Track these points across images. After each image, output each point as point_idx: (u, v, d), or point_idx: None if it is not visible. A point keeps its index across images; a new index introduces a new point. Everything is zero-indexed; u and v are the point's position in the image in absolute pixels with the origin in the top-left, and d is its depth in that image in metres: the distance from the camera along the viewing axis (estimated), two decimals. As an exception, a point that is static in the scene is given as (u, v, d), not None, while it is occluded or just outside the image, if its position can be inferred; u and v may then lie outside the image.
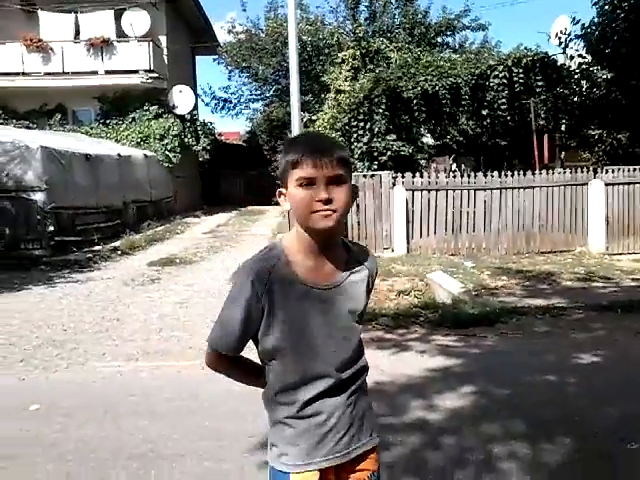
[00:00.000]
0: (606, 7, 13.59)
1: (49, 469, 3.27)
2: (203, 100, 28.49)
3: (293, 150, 1.53)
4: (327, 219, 1.49)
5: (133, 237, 13.49)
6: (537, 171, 11.55)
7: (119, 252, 11.78)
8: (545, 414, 3.86)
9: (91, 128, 18.86)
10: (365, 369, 1.70)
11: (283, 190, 1.57)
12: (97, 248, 11.90)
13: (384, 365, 4.87)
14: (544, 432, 3.58)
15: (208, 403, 4.20)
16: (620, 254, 10.61)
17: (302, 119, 12.51)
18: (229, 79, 30.51)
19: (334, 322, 1.59)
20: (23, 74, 18.51)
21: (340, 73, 17.29)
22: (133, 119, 18.99)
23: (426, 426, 3.70)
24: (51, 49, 18.60)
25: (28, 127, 17.15)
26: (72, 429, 3.79)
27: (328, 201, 1.49)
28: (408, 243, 10.74)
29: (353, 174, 11.28)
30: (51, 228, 11.30)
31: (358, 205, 10.78)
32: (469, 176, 11.18)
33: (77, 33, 18.88)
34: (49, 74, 18.53)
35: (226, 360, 1.68)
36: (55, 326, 6.40)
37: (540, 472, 3.13)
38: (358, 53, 17.00)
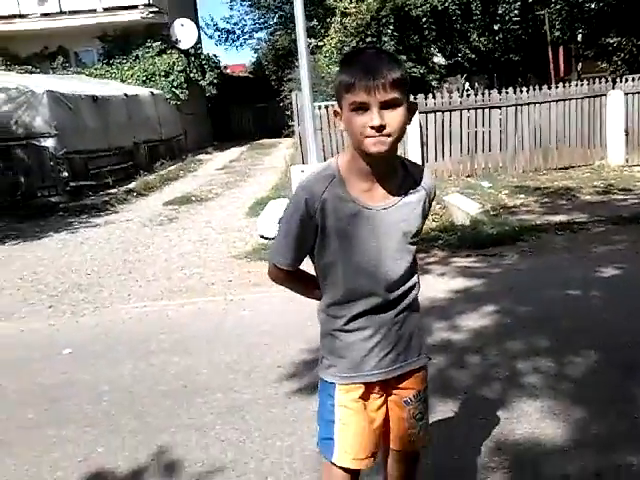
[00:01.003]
0: None
1: (87, 409, 3.38)
2: (206, 33, 28.01)
3: (345, 72, 1.48)
4: (380, 144, 1.46)
5: (147, 178, 13.51)
6: (553, 85, 11.21)
7: (134, 193, 11.81)
8: (569, 328, 3.88)
9: (95, 69, 18.59)
10: (415, 287, 1.69)
11: (338, 109, 1.54)
12: (112, 191, 11.94)
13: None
14: (568, 346, 3.61)
15: (235, 336, 4.28)
16: (640, 165, 10.41)
17: (309, 45, 12.15)
18: (231, 9, 29.68)
19: (386, 242, 1.59)
20: (20, 16, 18.09)
21: (345, -6, 16.67)
22: (136, 57, 18.65)
23: (450, 346, 3.75)
24: (46, -12, 18.09)
25: (31, 72, 16.90)
26: (105, 370, 3.90)
27: (381, 127, 1.45)
28: (423, 166, 10.58)
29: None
30: (65, 174, 11.34)
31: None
32: (483, 94, 10.88)
33: (71, -31, 18.29)
34: (46, 15, 18.08)
35: (286, 273, 1.70)
36: (79, 271, 6.50)
37: (565, 385, 3.18)
38: (362, -29, 16.33)
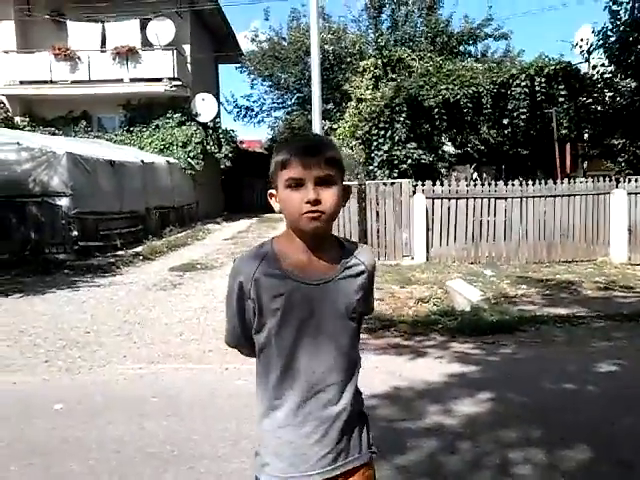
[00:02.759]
0: (623, 16, 13.49)
1: (73, 467, 3.35)
2: (226, 108, 28.83)
3: (282, 151, 1.51)
4: (315, 221, 1.47)
5: (155, 242, 13.68)
6: (559, 180, 11.49)
7: (141, 257, 11.94)
8: (563, 421, 3.85)
9: (115, 135, 19.19)
10: (357, 371, 1.60)
11: (273, 191, 1.56)
12: (120, 253, 12.08)
13: (402, 370, 4.90)
14: (561, 439, 3.57)
15: (227, 405, 4.26)
16: (643, 264, 10.49)
17: (323, 127, 12.61)
18: (251, 87, 30.87)
19: (325, 318, 1.53)
20: (51, 82, 18.91)
21: (362, 82, 17.40)
22: (157, 126, 19.27)
23: (443, 431, 3.72)
24: (78, 58, 18.98)
25: (54, 134, 17.49)
26: (95, 428, 3.87)
27: (316, 202, 1.46)
28: (428, 251, 10.74)
29: (374, 181, 11.41)
30: (75, 233, 11.52)
31: (378, 212, 10.82)
32: (490, 185, 11.16)
33: (103, 42, 19.26)
34: (76, 82, 18.90)
35: (242, 349, 1.68)
36: (78, 329, 6.52)
37: (556, 478, 3.14)
38: (380, 62, 17.13)
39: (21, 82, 18.92)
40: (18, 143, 11.81)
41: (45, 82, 18.90)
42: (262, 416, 1.56)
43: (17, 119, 18.75)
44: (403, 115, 13.24)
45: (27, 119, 18.81)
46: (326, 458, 1.52)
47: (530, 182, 10.94)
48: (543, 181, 10.99)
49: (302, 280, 1.52)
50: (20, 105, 19.06)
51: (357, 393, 1.60)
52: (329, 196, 1.48)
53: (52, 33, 19.02)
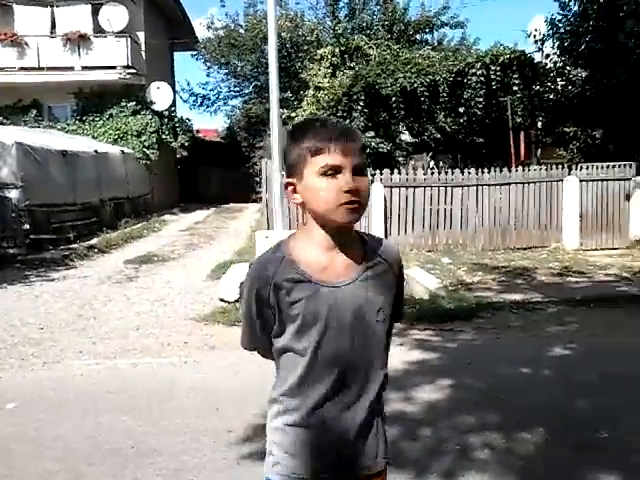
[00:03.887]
0: (573, 6, 13.78)
1: (28, 467, 3.25)
2: (181, 97, 28.30)
3: (312, 135, 1.40)
4: (354, 212, 1.38)
5: (110, 235, 13.40)
6: (513, 168, 11.70)
7: (96, 250, 11.68)
8: (520, 405, 3.94)
9: (67, 125, 18.66)
10: (383, 381, 1.52)
11: (293, 180, 1.44)
12: (74, 246, 11.78)
13: (362, 360, 4.92)
14: (518, 423, 3.65)
15: (187, 399, 4.21)
16: (594, 250, 10.80)
17: (281, 116, 12.52)
18: (208, 75, 30.24)
19: (347, 323, 1.44)
20: (-3, 69, 18.24)
21: (319, 70, 17.30)
22: (110, 115, 18.82)
23: (403, 417, 3.75)
24: (26, 44, 18.33)
25: (1, 123, 16.89)
26: (50, 426, 3.77)
27: (357, 191, 1.37)
28: (386, 239, 10.79)
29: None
30: (26, 226, 11.18)
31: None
32: (446, 173, 11.29)
33: (53, 27, 18.66)
34: (24, 69, 18.28)
35: (262, 351, 1.59)
36: (31, 325, 6.34)
37: (514, 461, 3.20)
38: (337, 50, 17.05)
39: (-36, 69, 18.20)
40: (-37, 134, 11.38)
41: (-9, 69, 18.22)
42: (277, 415, 1.50)
43: (-40, 108, 18.04)
44: (361, 103, 13.29)
45: (-28, 109, 18.14)
46: (340, 462, 1.47)
47: (485, 170, 11.11)
48: (498, 169, 11.17)
49: (322, 282, 1.42)
50: (-37, 93, 18.34)
51: (378, 399, 1.51)
52: (365, 186, 1.41)
53: (-3, 18, 18.32)
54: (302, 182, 1.42)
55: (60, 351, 5.43)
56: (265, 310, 1.45)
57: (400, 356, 5.02)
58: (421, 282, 7.50)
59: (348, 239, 1.46)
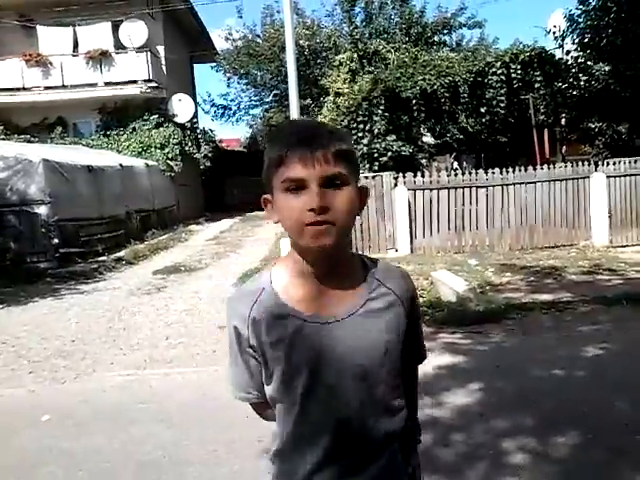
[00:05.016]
0: (592, 0, 13.60)
1: (62, 478, 3.29)
2: (203, 108, 28.61)
3: (276, 143, 1.18)
4: (323, 236, 1.12)
5: (137, 246, 13.55)
6: (538, 166, 11.55)
7: (124, 262, 11.83)
8: (554, 408, 3.86)
9: (92, 140, 18.96)
10: (397, 434, 1.24)
11: (268, 196, 1.22)
12: (102, 259, 11.95)
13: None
14: (553, 426, 3.58)
15: (217, 408, 4.22)
16: (624, 246, 10.59)
17: (302, 123, 12.58)
18: (228, 86, 30.54)
19: (341, 369, 1.19)
20: (24, 89, 18.61)
21: (338, 76, 17.34)
22: (134, 129, 19.07)
23: (435, 423, 3.71)
24: (50, 63, 18.69)
25: (29, 141, 17.23)
26: (83, 438, 3.81)
27: (322, 210, 1.11)
28: (411, 243, 10.75)
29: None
30: (56, 240, 11.36)
31: (361, 207, 10.79)
32: (470, 174, 11.18)
33: (75, 46, 18.99)
34: (49, 88, 18.62)
35: (257, 406, 1.37)
36: (63, 337, 6.43)
37: (549, 465, 3.14)
38: (355, 55, 17.06)
39: (-8, 90, 18.61)
40: (-8, 152, 11.62)
41: (17, 89, 18.59)
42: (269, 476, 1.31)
43: (-10, 128, 18.45)
44: (381, 107, 13.24)
45: (0, 128, 18.51)
46: None
47: (510, 169, 10.98)
48: (523, 168, 11.05)
49: (308, 318, 1.19)
50: (-8, 114, 18.76)
51: (396, 454, 1.25)
52: (340, 201, 1.13)
53: (22, 39, 18.68)
54: (273, 198, 1.21)
55: (92, 363, 5.50)
56: (248, 351, 1.23)
57: (430, 360, 4.95)
58: (448, 284, 7.43)
59: (340, 265, 1.22)
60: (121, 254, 12.48)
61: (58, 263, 11.15)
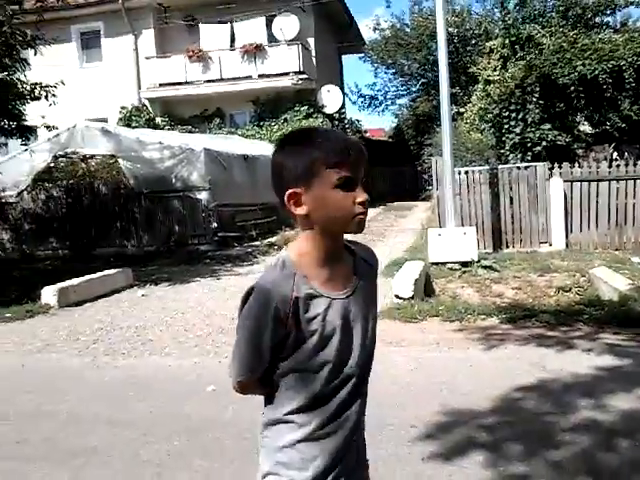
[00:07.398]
0: None
1: (228, 445, 3.57)
2: (350, 99, 28.97)
3: (325, 147, 1.37)
4: (363, 223, 1.43)
5: (288, 233, 14.07)
6: None
7: (276, 247, 12.36)
8: None
9: (247, 130, 19.94)
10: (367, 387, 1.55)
11: (299, 190, 1.40)
12: (256, 243, 12.61)
13: (545, 362, 4.74)
14: None
15: (375, 392, 4.33)
16: None
17: (451, 111, 12.36)
18: (375, 76, 30.77)
19: (360, 329, 1.46)
20: (186, 83, 20.01)
21: (489, 63, 16.82)
22: (285, 120, 19.78)
23: (596, 426, 3.55)
24: (210, 58, 19.91)
25: (191, 131, 18.52)
26: (246, 410, 4.06)
27: (367, 203, 1.41)
28: (567, 237, 10.21)
29: (506, 166, 11.02)
30: (214, 225, 12.17)
31: (512, 198, 10.44)
32: (635, 165, 10.39)
33: (232, 41, 20.05)
34: (208, 81, 19.86)
35: (253, 382, 1.53)
36: (223, 315, 6.90)
37: None
38: (507, 41, 16.41)
39: (160, 85, 20.19)
40: (160, 142, 12.66)
41: (181, 83, 20.01)
42: (284, 434, 1.44)
43: (158, 119, 20.06)
44: (535, 95, 12.65)
45: (166, 119, 20.07)
46: (356, 462, 1.52)
47: (681, 160, 10.06)
48: (697, 159, 10.07)
49: (333, 295, 1.42)
50: (160, 106, 20.37)
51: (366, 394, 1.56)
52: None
53: (185, 37, 20.18)
54: (310, 193, 1.39)
55: (249, 341, 5.85)
56: (279, 331, 1.37)
57: (588, 361, 4.75)
58: (609, 282, 6.99)
59: (342, 249, 1.50)
60: (273, 239, 13.07)
61: (216, 246, 11.94)
